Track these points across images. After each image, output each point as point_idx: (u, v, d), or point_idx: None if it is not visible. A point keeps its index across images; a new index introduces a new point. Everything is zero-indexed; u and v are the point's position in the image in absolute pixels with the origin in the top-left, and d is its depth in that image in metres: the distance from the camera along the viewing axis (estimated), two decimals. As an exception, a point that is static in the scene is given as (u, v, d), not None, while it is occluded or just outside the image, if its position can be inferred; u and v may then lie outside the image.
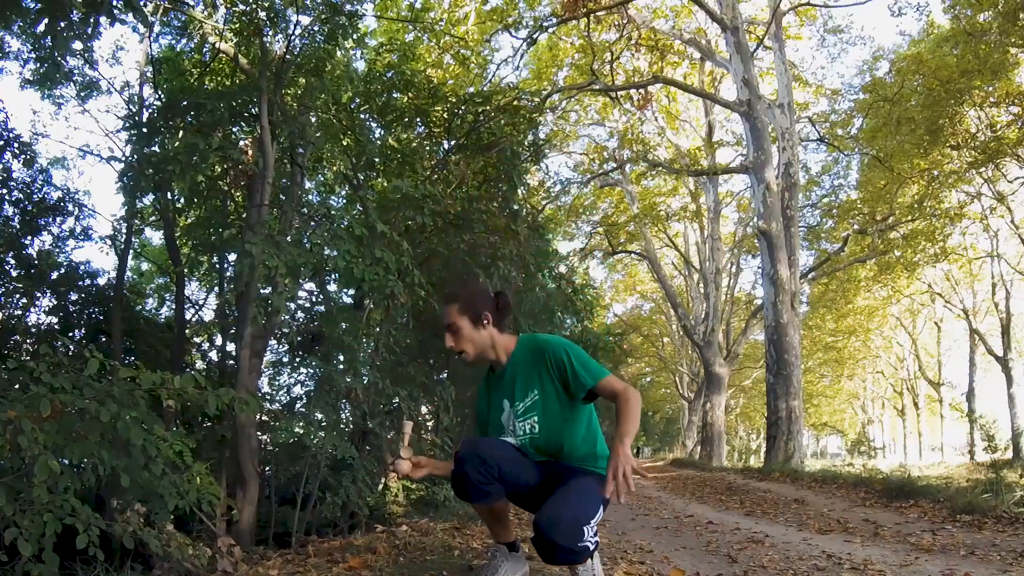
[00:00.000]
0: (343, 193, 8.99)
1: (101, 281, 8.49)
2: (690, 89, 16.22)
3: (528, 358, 2.05)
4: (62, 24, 3.68)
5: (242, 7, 6.37)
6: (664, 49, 15.56)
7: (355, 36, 7.41)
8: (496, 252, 6.56)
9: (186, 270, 8.24)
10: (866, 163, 16.29)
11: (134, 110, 7.34)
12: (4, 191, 7.32)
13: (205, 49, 7.63)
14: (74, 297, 8.19)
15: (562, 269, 10.50)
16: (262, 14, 6.07)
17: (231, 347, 7.46)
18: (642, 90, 15.67)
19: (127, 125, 6.92)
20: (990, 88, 12.04)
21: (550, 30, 13.49)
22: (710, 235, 19.45)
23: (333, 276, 6.50)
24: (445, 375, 7.23)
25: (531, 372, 2.03)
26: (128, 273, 9.09)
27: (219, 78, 7.91)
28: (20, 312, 7.88)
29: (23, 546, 2.27)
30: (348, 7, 6.30)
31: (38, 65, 7.13)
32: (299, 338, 7.38)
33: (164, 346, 8.41)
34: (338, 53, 7.15)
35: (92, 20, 3.79)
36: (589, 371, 1.96)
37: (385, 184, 7.80)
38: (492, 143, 7.74)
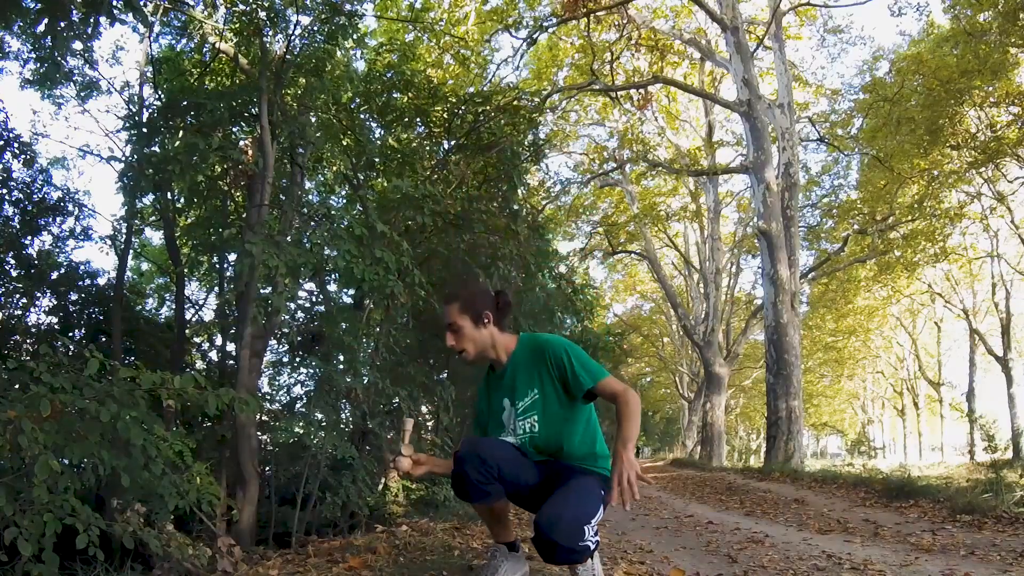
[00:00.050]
0: (343, 193, 8.99)
1: (101, 281, 8.50)
2: (690, 89, 16.22)
3: (528, 357, 2.06)
4: (62, 24, 3.68)
5: (242, 7, 6.37)
6: (664, 49, 15.57)
7: (355, 36, 7.40)
8: (496, 252, 6.56)
9: (186, 270, 8.24)
10: (866, 163, 16.29)
11: (134, 110, 7.34)
12: (4, 191, 7.32)
13: (205, 49, 7.63)
14: (74, 297, 8.18)
15: (562, 269, 10.50)
16: (262, 14, 6.07)
17: (231, 347, 7.46)
18: (642, 90, 15.67)
19: (127, 125, 6.92)
20: (990, 88, 12.04)
21: (550, 30, 13.50)
22: (710, 235, 19.45)
23: (333, 276, 6.51)
24: (445, 375, 7.23)
25: (531, 371, 2.03)
26: (128, 273, 9.09)
27: (219, 78, 7.91)
28: (20, 312, 7.88)
29: (23, 546, 2.27)
30: (348, 7, 6.30)
31: (38, 65, 7.12)
32: (299, 338, 7.38)
33: (164, 346, 8.41)
34: (338, 53, 7.15)
35: (92, 20, 3.79)
36: (589, 371, 1.96)
37: (385, 184, 7.79)
38: (492, 143, 7.74)
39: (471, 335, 2.07)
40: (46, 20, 3.65)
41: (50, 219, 7.83)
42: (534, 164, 9.24)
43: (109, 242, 8.17)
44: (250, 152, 6.14)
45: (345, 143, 8.03)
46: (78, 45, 5.78)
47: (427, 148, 8.54)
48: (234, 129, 6.74)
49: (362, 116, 8.38)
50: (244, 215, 6.87)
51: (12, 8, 4.02)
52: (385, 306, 5.51)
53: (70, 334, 7.82)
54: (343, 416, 6.09)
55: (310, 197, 8.01)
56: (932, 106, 12.26)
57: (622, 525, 4.64)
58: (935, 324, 24.11)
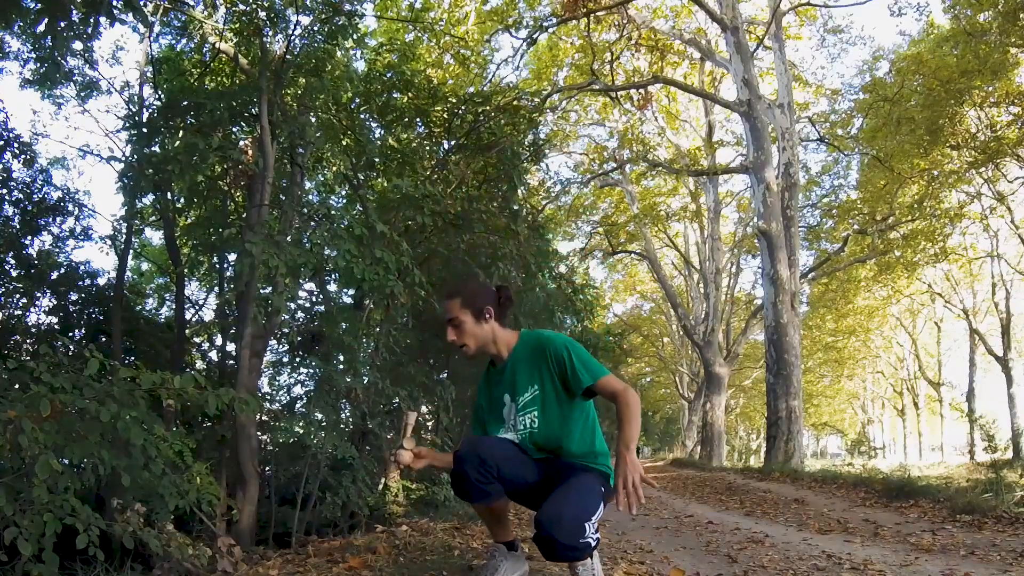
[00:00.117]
0: (343, 193, 8.98)
1: (101, 281, 8.50)
2: (690, 89, 16.22)
3: (529, 354, 2.06)
4: (62, 24, 3.67)
5: (242, 7, 6.37)
6: (664, 49, 15.57)
7: (355, 36, 7.42)
8: (496, 252, 6.57)
9: (186, 270, 8.24)
10: (866, 163, 16.29)
11: (134, 110, 7.34)
12: (4, 191, 7.32)
13: (205, 49, 7.63)
14: (74, 297, 8.18)
15: (562, 269, 10.50)
16: (262, 14, 6.07)
17: (231, 347, 7.47)
18: (642, 90, 15.67)
19: (127, 125, 6.92)
20: (990, 88, 12.04)
21: (550, 30, 13.50)
22: (710, 235, 19.45)
23: (333, 276, 6.52)
24: (445, 375, 7.24)
25: (532, 368, 2.04)
26: (128, 273, 9.09)
27: (219, 78, 7.91)
28: (20, 312, 7.87)
29: (23, 546, 2.27)
30: (348, 7, 6.29)
31: (38, 65, 7.13)
32: (299, 338, 7.38)
33: (164, 346, 8.41)
34: (338, 53, 7.16)
35: (92, 20, 3.78)
36: (589, 369, 1.97)
37: (385, 184, 7.80)
38: (492, 143, 7.74)
39: (472, 330, 2.08)
40: (46, 20, 3.64)
41: (50, 219, 7.83)
42: (534, 164, 9.24)
43: (109, 242, 8.17)
44: (250, 152, 6.14)
45: (345, 143, 8.02)
46: (78, 45, 5.79)
47: (427, 148, 8.54)
48: (234, 129, 6.74)
49: (362, 116, 8.38)
50: (244, 215, 6.87)
51: (12, 8, 4.01)
52: (385, 306, 5.51)
53: (70, 334, 7.82)
54: (343, 416, 6.09)
55: (310, 197, 8.00)
56: (932, 106, 12.26)
57: (622, 525, 4.64)
58: (935, 324, 24.11)
